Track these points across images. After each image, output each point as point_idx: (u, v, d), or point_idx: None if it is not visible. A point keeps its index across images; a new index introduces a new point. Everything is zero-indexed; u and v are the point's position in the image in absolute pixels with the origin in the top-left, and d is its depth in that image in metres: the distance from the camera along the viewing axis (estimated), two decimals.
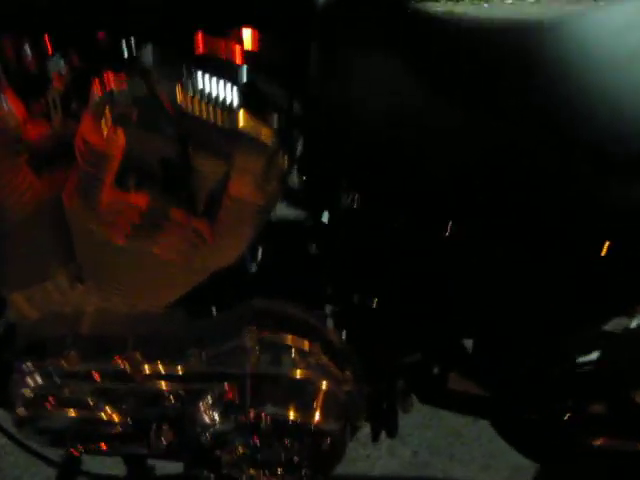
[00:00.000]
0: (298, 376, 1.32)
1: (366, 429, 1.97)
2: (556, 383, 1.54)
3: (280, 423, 1.32)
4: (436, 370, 1.50)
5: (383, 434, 1.59)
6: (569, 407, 1.59)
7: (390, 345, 1.43)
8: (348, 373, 1.37)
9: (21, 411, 1.36)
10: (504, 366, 1.47)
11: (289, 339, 1.31)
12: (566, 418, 1.60)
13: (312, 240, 1.39)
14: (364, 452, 1.96)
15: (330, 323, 1.38)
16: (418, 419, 2.05)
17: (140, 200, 1.21)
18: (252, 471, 1.36)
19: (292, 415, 1.31)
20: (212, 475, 1.41)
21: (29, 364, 1.35)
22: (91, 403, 1.35)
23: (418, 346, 1.43)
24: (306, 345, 1.31)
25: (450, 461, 1.96)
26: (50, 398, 1.35)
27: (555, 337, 1.46)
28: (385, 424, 1.57)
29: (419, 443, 2.00)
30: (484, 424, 2.04)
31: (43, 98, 1.22)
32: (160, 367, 1.33)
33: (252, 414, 1.31)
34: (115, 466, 1.54)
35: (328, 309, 1.41)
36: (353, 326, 1.41)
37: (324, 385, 1.34)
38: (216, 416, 1.33)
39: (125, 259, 1.26)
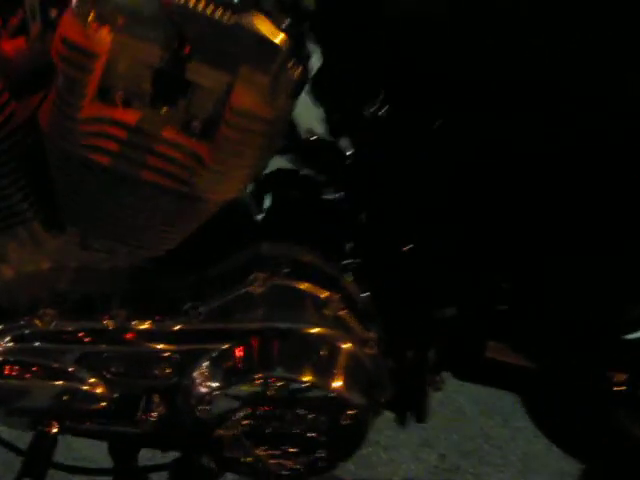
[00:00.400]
0: (314, 332, 1.12)
1: (389, 432, 1.77)
2: (607, 358, 1.34)
3: (293, 391, 1.11)
4: (471, 338, 1.29)
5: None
6: (622, 390, 1.39)
7: (418, 304, 1.23)
8: (372, 334, 1.17)
9: None
10: (551, 333, 1.27)
11: (304, 286, 1.11)
12: (618, 402, 1.40)
13: (329, 180, 1.20)
14: (386, 456, 1.74)
15: (350, 277, 1.19)
16: (441, 420, 1.83)
17: (127, 117, 1.02)
18: (259, 451, 1.15)
19: (307, 380, 1.10)
20: (211, 460, 1.20)
21: None
22: (70, 371, 1.14)
23: (451, 305, 1.23)
24: (324, 295, 1.12)
25: (481, 464, 1.74)
26: (21, 365, 1.15)
27: (610, 304, 1.26)
28: (413, 404, 1.36)
29: (446, 446, 1.78)
30: (514, 425, 1.83)
31: (20, 8, 1.06)
32: (150, 326, 1.13)
33: (259, 380, 1.11)
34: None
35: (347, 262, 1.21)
36: (376, 281, 1.21)
37: (345, 344, 1.14)
38: (216, 384, 1.12)
39: (109, 191, 1.07)
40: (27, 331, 1.13)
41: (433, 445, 1.77)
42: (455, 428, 1.83)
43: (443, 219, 1.11)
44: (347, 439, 1.18)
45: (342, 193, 1.23)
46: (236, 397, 1.11)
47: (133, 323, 1.12)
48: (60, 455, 1.21)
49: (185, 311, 1.12)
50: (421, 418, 1.41)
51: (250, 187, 1.24)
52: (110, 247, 1.16)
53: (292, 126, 1.25)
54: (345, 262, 1.20)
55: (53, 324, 1.12)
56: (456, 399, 1.92)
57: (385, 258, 1.17)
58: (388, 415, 1.33)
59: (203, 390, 1.11)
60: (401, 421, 1.40)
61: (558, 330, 1.28)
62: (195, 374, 1.12)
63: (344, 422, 1.14)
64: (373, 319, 1.17)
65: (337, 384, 1.11)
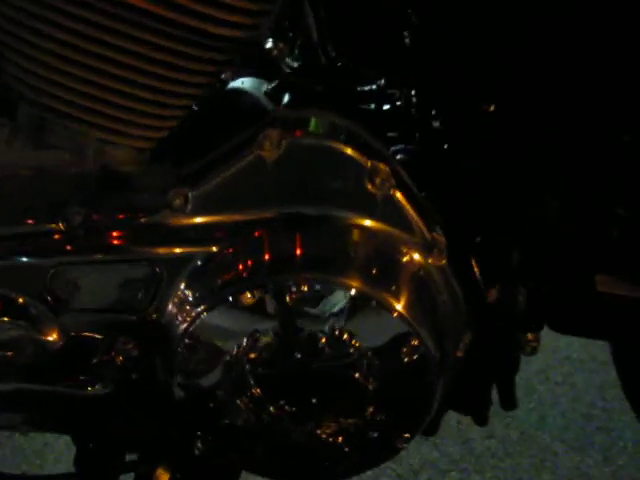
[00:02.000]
0: (356, 222, 0.76)
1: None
2: None
3: (327, 314, 0.75)
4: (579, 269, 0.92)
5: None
6: None
7: (501, 214, 0.87)
8: (439, 236, 0.81)
9: None
10: None
11: (336, 147, 0.76)
12: None
13: None
14: None
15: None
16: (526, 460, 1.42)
17: None
18: (273, 409, 0.77)
19: (351, 286, 0.74)
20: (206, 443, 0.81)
21: None
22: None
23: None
24: (368, 164, 0.77)
25: None
26: None
27: None
28: (496, 381, 0.97)
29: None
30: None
31: None
32: (117, 225, 0.78)
33: (272, 296, 0.75)
34: None
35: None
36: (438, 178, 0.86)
37: (402, 244, 0.78)
38: (208, 299, 0.75)
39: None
40: None
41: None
42: (546, 468, 1.41)
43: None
44: (411, 398, 0.79)
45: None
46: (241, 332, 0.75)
47: (94, 223, 0.78)
48: None
49: (168, 201, 0.78)
50: (509, 404, 1.02)
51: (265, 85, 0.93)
52: (72, 144, 0.84)
53: None
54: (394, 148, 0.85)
55: None
56: (540, 436, 1.51)
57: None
58: None
59: (190, 312, 0.75)
60: (479, 415, 1.01)
61: None
62: (182, 290, 0.76)
63: (408, 363, 0.76)
64: (434, 216, 0.81)
65: (398, 303, 0.74)
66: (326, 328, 0.74)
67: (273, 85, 0.91)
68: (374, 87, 0.91)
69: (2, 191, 0.83)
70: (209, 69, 0.77)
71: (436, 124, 0.88)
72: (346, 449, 0.79)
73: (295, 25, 0.90)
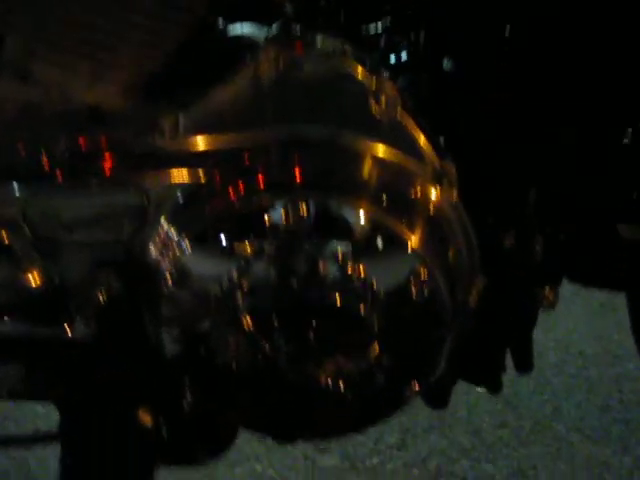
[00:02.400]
0: (358, 144, 0.70)
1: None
2: None
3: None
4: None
5: None
6: None
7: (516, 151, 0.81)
8: (450, 166, 0.75)
9: None
10: None
11: (339, 65, 0.70)
12: None
13: None
14: None
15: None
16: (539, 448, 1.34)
17: None
18: (268, 347, 0.70)
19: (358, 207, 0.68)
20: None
21: None
22: None
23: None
24: (372, 84, 0.71)
25: None
26: None
27: None
28: (510, 342, 0.90)
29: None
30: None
31: None
32: (103, 148, 0.72)
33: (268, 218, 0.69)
34: None
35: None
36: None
37: (412, 171, 0.72)
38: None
39: None
40: None
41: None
42: (562, 457, 1.33)
43: None
44: (415, 335, 0.73)
45: None
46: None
47: (78, 148, 0.72)
48: None
49: (157, 126, 0.71)
50: (524, 366, 0.95)
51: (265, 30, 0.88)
52: (59, 79, 0.79)
53: None
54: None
55: None
56: (554, 426, 1.43)
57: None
58: None
59: (178, 242, 0.69)
60: (492, 382, 0.95)
61: None
62: (170, 219, 0.70)
63: (413, 294, 0.69)
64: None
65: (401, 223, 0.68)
66: (327, 255, 0.68)
67: (273, 30, 0.87)
68: (379, 31, 0.86)
69: None
70: None
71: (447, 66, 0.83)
72: (348, 397, 0.73)
73: None
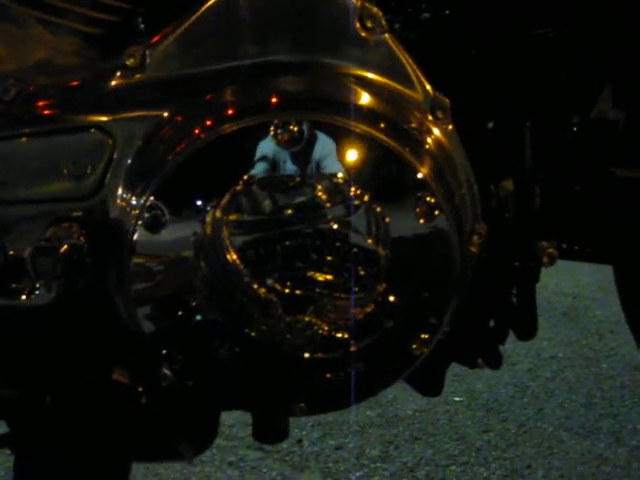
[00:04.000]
0: (342, 69, 0.63)
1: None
2: None
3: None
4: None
5: None
6: None
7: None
8: (443, 99, 0.68)
9: None
10: None
11: None
12: None
13: None
14: None
15: None
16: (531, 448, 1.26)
17: None
18: (262, 292, 0.61)
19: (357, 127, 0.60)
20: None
21: None
22: None
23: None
24: (358, 3, 0.64)
25: None
26: None
27: None
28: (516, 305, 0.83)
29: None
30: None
31: None
32: (60, 90, 0.64)
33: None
34: None
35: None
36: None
37: (400, 95, 0.65)
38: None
39: None
40: None
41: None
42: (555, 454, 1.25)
43: None
44: (423, 275, 0.65)
45: None
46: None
47: (31, 92, 0.63)
48: None
49: (121, 61, 0.64)
50: (526, 333, 0.88)
51: None
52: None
53: None
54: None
55: None
56: (540, 426, 1.36)
57: None
58: None
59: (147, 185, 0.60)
60: (491, 356, 0.87)
61: None
62: (136, 162, 0.62)
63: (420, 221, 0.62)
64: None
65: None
66: (321, 180, 0.60)
67: None
68: None
69: None
70: None
71: None
72: (351, 355, 0.65)
73: None
